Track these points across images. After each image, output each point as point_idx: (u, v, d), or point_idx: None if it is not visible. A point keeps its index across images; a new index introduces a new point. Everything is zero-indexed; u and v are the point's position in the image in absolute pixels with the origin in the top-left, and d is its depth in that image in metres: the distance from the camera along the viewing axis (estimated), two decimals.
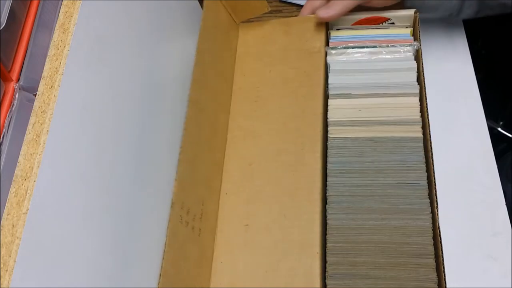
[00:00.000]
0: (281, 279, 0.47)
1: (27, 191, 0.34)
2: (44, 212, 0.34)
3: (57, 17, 0.42)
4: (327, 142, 0.53)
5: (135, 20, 0.53)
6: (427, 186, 0.49)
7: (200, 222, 0.49)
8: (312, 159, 0.52)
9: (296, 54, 0.59)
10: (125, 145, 0.47)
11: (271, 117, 0.56)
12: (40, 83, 0.38)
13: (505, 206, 0.56)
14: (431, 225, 0.47)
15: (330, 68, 0.57)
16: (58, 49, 0.40)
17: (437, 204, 0.47)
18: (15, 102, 0.42)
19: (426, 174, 0.49)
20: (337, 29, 0.60)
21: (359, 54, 0.57)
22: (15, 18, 0.45)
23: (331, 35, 0.60)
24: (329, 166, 0.51)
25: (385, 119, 0.52)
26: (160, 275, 0.41)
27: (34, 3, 0.48)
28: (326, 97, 0.56)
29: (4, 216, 0.33)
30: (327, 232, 0.48)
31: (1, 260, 0.31)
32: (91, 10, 0.44)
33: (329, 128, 0.53)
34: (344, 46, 0.57)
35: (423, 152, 0.49)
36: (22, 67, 0.44)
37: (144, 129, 0.52)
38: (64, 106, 0.38)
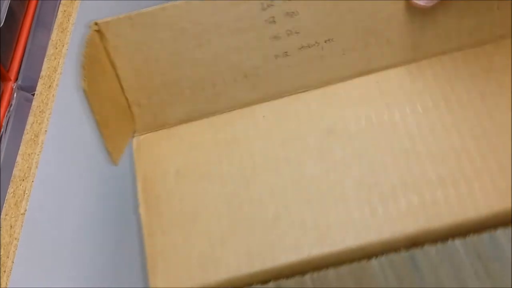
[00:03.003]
0: None
1: (25, 191, 0.33)
2: (42, 213, 0.34)
3: (56, 17, 0.42)
4: None
5: None
6: None
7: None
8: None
9: None
10: None
11: None
12: (39, 83, 0.38)
13: None
14: None
15: None
16: (56, 48, 0.40)
17: None
18: (13, 102, 0.42)
19: None
20: None
21: None
22: (14, 17, 0.45)
23: None
24: None
25: None
26: None
27: (33, 2, 0.47)
28: None
29: (2, 217, 0.33)
30: None
31: (0, 261, 0.31)
32: (89, 10, 0.44)
33: None
34: None
35: None
36: (20, 66, 0.44)
37: None
38: (62, 105, 0.38)
